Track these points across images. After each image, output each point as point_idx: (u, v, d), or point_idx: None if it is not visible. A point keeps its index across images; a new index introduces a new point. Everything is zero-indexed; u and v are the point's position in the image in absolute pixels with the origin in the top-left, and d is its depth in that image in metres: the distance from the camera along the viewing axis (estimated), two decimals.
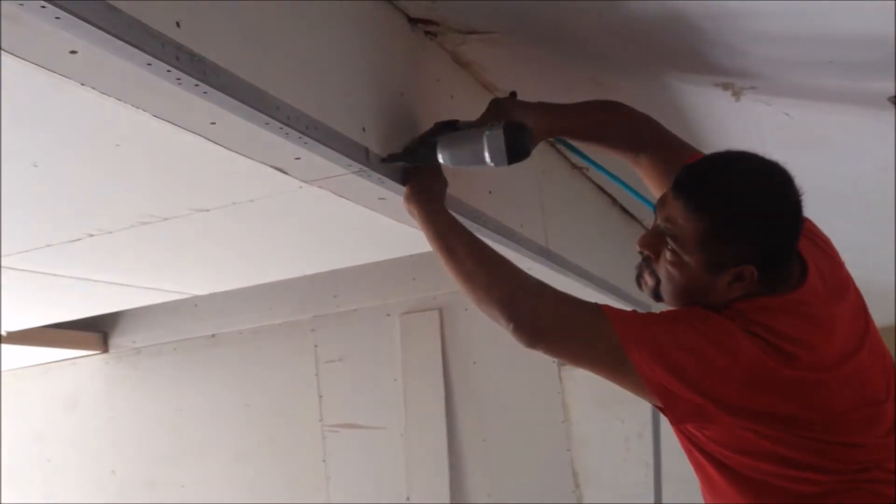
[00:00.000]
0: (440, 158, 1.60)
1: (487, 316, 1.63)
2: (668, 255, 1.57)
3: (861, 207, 2.76)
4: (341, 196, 1.70)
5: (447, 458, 4.85)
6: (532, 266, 2.49)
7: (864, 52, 1.59)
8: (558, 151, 2.72)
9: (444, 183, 1.70)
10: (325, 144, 1.38)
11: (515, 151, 1.57)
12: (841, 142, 2.12)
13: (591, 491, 4.72)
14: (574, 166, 2.89)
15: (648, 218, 3.74)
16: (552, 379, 4.85)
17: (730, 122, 2.15)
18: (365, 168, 1.53)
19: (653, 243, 1.61)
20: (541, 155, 2.58)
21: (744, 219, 1.52)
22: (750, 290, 1.54)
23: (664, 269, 1.59)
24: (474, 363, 4.95)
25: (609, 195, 3.33)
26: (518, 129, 1.58)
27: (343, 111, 1.48)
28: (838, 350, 1.57)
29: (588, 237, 3.01)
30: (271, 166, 1.45)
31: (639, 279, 1.69)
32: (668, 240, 1.56)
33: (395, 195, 1.69)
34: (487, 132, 1.56)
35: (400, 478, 4.92)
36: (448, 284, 4.93)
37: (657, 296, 1.65)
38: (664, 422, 4.60)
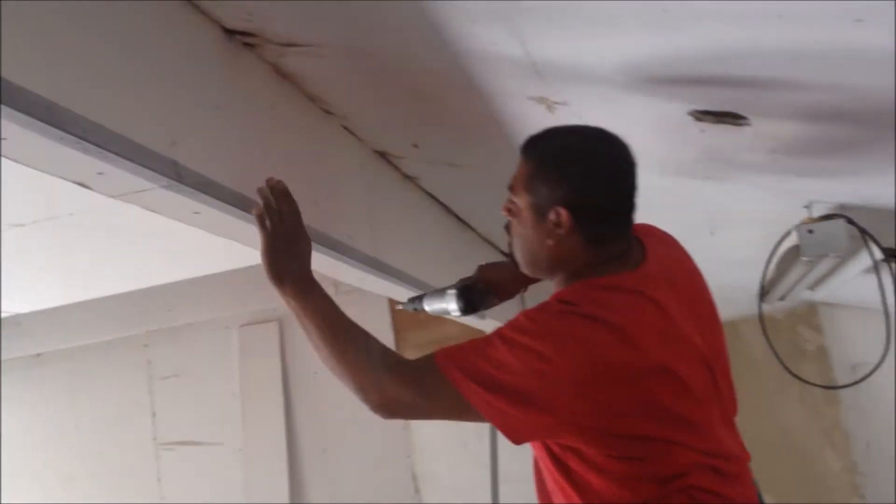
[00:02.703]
0: (424, 305, 2.14)
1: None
2: (511, 208, 1.69)
3: (675, 212, 2.89)
4: (153, 211, 1.65)
5: (287, 470, 4.80)
6: (363, 276, 2.49)
7: (664, 70, 1.66)
8: (389, 163, 2.73)
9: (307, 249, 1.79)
10: (128, 159, 1.34)
11: (469, 307, 2.05)
12: (650, 153, 2.22)
13: (431, 494, 4.77)
14: (406, 177, 2.91)
15: (482, 226, 3.81)
16: None
17: None
18: (174, 182, 1.49)
19: (507, 204, 1.71)
20: (370, 166, 2.59)
21: (561, 159, 1.61)
22: (581, 249, 1.61)
23: (512, 229, 1.71)
24: (315, 374, 4.92)
25: (443, 204, 3.36)
26: (469, 289, 2.07)
27: (149, 124, 1.44)
28: (683, 340, 1.59)
29: (421, 246, 3.03)
30: (73, 182, 1.40)
31: (510, 248, 1.77)
32: (509, 193, 1.68)
33: (210, 209, 1.65)
34: (449, 291, 2.08)
35: (238, 494, 4.83)
36: None
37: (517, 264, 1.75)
38: None
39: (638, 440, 1.52)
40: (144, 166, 1.41)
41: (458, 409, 1.55)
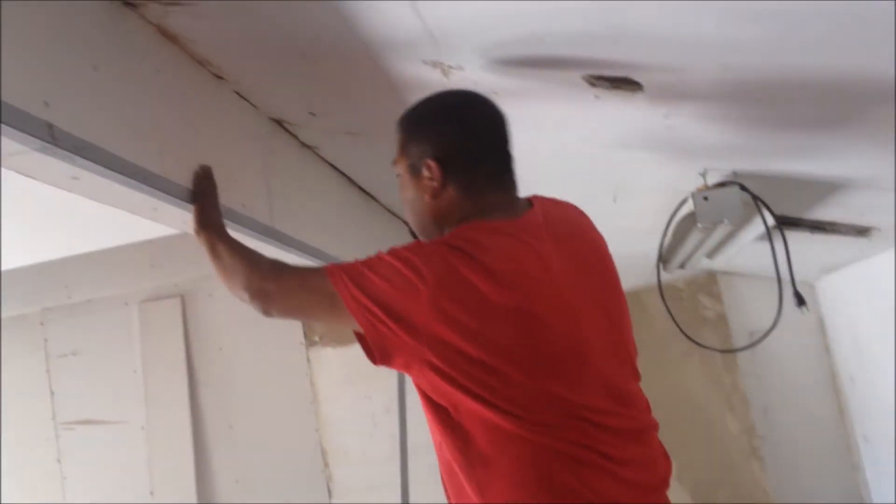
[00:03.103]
0: None
1: (237, 298, 1.83)
2: (398, 181, 1.78)
3: (577, 178, 2.91)
4: (29, 176, 1.58)
5: (192, 448, 4.72)
6: (259, 245, 2.44)
7: (559, 35, 1.66)
8: (286, 131, 2.68)
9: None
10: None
11: None
12: (546, 118, 2.23)
13: (341, 469, 4.75)
14: (304, 146, 2.86)
15: (386, 196, 3.79)
16: (300, 361, 4.83)
17: None
18: (48, 145, 1.43)
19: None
20: (266, 134, 2.54)
21: (424, 118, 1.74)
22: (454, 198, 1.68)
23: (401, 197, 1.79)
24: (220, 350, 4.85)
25: (345, 175, 3.32)
26: None
27: (20, 85, 1.37)
28: (559, 292, 1.60)
29: (322, 216, 2.98)
30: None
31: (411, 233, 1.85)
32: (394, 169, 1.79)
33: (90, 174, 1.59)
34: None
35: (142, 472, 4.74)
36: (191, 270, 4.82)
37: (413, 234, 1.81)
38: (410, 396, 4.69)
39: (495, 374, 1.52)
40: (15, 127, 1.35)
41: (327, 306, 1.64)
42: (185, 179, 1.91)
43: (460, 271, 1.53)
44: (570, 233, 1.73)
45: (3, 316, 4.72)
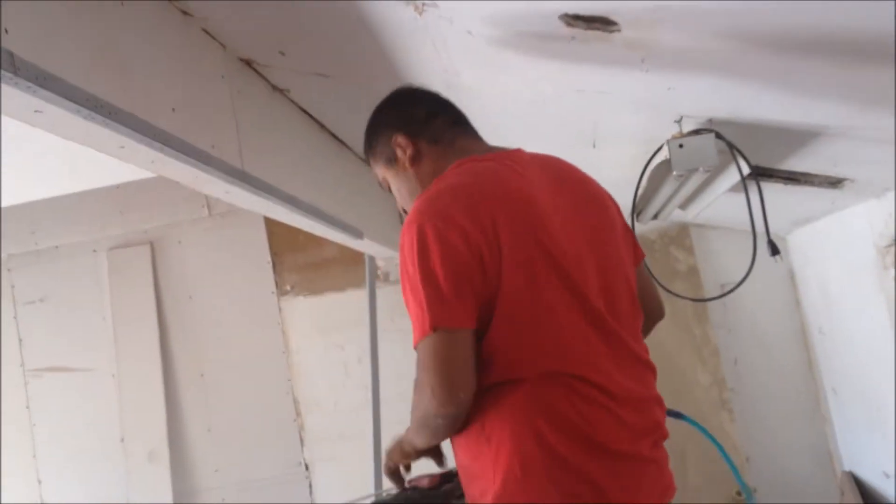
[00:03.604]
0: None
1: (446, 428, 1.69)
2: (391, 191, 1.93)
3: (557, 124, 2.88)
4: None
5: (163, 395, 4.70)
6: (229, 189, 2.40)
7: None
8: (256, 71, 2.63)
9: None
10: None
11: None
12: (522, 63, 2.19)
13: (313, 417, 4.75)
14: (275, 88, 2.81)
15: (358, 143, 3.75)
16: (272, 310, 4.81)
17: (417, 41, 2.15)
18: (10, 75, 1.38)
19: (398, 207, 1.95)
20: (236, 75, 2.48)
21: (371, 126, 1.94)
22: (431, 154, 1.83)
23: (398, 201, 1.93)
24: (190, 298, 4.81)
25: (316, 120, 3.27)
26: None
27: None
28: (549, 214, 1.68)
29: (292, 161, 2.94)
30: None
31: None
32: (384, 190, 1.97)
33: (55, 107, 1.55)
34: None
35: (113, 420, 4.72)
36: (160, 217, 4.77)
37: None
38: (383, 346, 4.65)
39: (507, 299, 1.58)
40: None
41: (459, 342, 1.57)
42: (151, 116, 1.86)
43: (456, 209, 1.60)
44: (566, 177, 1.81)
45: None
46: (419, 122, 1.86)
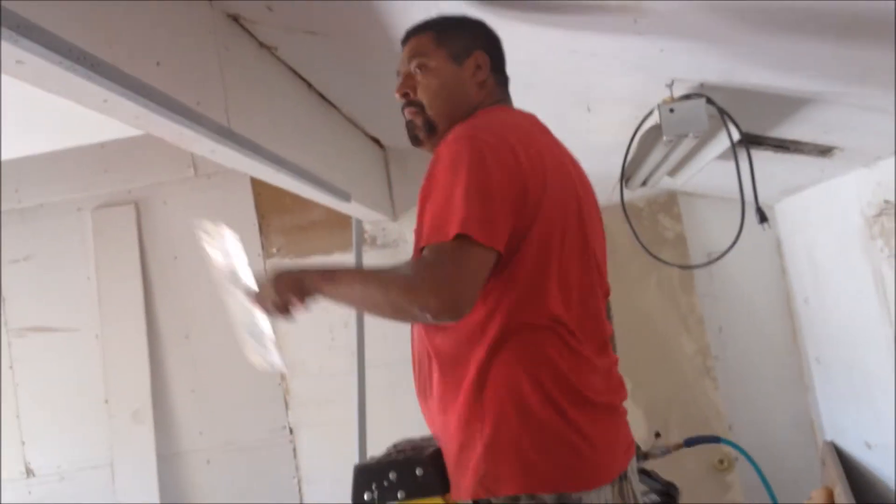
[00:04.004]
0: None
1: (410, 320, 1.74)
2: (420, 77, 1.87)
3: (541, 84, 2.86)
4: None
5: (147, 356, 4.68)
6: (215, 148, 2.37)
7: None
8: (243, 27, 2.59)
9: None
10: None
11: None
12: (516, 25, 2.17)
13: (298, 381, 4.75)
14: (262, 45, 2.77)
15: (347, 105, 3.70)
16: (257, 272, 4.77)
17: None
18: None
19: (405, 84, 1.89)
20: (222, 31, 2.44)
21: (459, 21, 1.94)
22: (491, 90, 1.90)
23: (423, 90, 1.87)
24: (175, 259, 4.78)
25: (304, 80, 3.23)
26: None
27: None
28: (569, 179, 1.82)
29: (279, 121, 2.91)
30: None
31: (412, 132, 1.91)
32: (413, 66, 1.88)
33: (36, 57, 1.52)
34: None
35: (97, 380, 4.70)
36: (145, 177, 4.72)
37: (430, 127, 1.87)
38: None
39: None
40: None
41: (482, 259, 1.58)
42: (135, 70, 1.83)
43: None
44: (567, 151, 1.96)
45: None
46: (500, 61, 1.95)
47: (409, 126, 1.91)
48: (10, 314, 4.82)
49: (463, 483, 1.70)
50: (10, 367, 4.80)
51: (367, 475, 1.89)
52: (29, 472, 4.78)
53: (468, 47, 1.88)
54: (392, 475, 1.85)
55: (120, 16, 1.82)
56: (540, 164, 1.69)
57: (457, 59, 1.87)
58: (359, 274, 1.87)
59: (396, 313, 1.63)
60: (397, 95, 1.90)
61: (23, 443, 4.79)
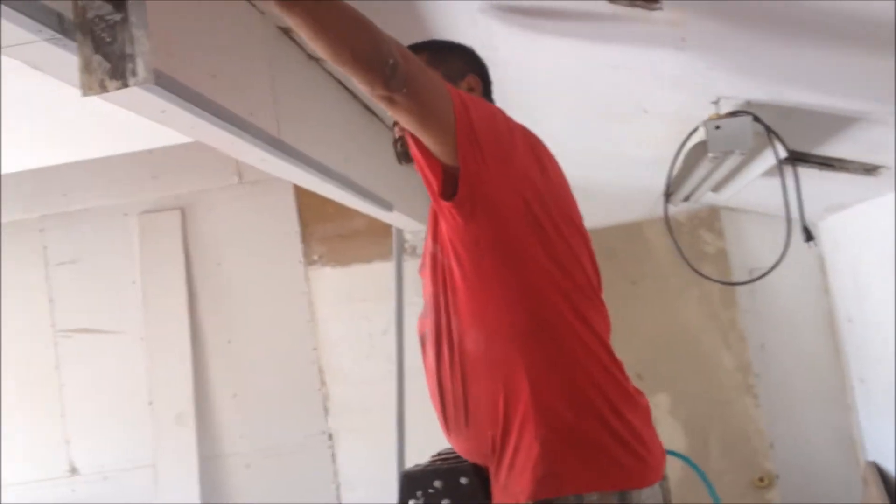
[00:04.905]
0: None
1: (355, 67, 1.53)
2: None
3: (585, 97, 2.88)
4: (38, 68, 1.55)
5: (191, 360, 4.75)
6: (265, 157, 2.42)
7: None
8: (293, 40, 2.63)
9: None
10: (9, 7, 1.25)
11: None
12: (562, 35, 2.19)
13: (338, 387, 4.79)
14: (310, 57, 2.81)
15: (388, 115, 3.74)
16: (299, 279, 4.84)
17: (455, 12, 2.15)
18: (58, 36, 1.40)
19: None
20: (273, 43, 2.49)
21: (454, 46, 2.00)
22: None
23: None
24: (219, 265, 4.84)
25: (349, 90, 3.27)
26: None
27: None
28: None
29: (326, 131, 2.95)
30: None
31: (399, 149, 1.91)
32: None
33: None
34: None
35: (141, 383, 4.77)
36: (191, 184, 4.80)
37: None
38: (408, 319, 4.67)
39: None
40: (26, 15, 1.32)
41: (444, 121, 1.65)
42: (193, 82, 1.87)
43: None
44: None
45: (2, 221, 4.70)
46: (489, 87, 2.01)
47: (399, 143, 1.90)
48: (58, 315, 4.91)
49: (519, 485, 1.69)
50: (57, 368, 4.89)
51: (412, 482, 1.91)
52: (73, 471, 4.87)
53: (462, 70, 1.93)
54: (437, 483, 1.87)
55: (179, 29, 1.86)
56: (535, 154, 1.82)
57: (451, 80, 1.83)
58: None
59: (357, 53, 1.50)
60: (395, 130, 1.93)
61: (67, 442, 4.88)
